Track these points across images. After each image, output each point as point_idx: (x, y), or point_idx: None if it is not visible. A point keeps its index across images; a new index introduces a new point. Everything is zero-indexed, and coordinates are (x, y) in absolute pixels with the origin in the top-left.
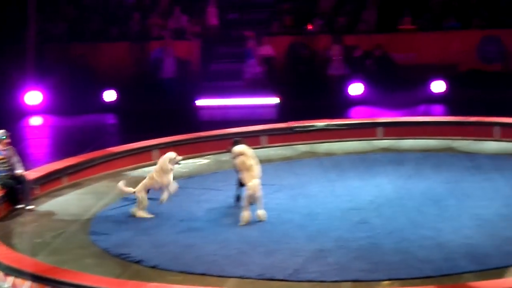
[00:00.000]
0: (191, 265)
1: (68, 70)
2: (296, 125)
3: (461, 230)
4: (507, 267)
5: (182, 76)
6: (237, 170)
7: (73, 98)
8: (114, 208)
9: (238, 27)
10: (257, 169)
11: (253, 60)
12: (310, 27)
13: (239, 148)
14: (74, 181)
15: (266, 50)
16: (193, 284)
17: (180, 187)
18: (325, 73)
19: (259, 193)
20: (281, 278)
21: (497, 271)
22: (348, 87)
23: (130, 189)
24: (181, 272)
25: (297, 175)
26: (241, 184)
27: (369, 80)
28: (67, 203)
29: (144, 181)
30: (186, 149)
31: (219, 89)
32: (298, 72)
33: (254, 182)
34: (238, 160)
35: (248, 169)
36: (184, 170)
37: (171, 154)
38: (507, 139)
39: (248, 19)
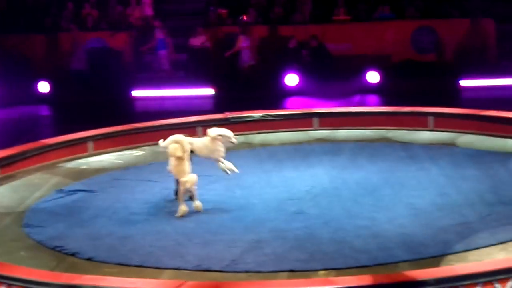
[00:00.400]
0: (127, 257)
1: (1, 61)
2: (232, 115)
3: (396, 220)
4: (442, 256)
5: (115, 67)
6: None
7: (6, 89)
8: (49, 200)
9: (173, 17)
10: (187, 163)
11: (164, 51)
12: (245, 18)
13: (176, 136)
14: (8, 174)
15: (201, 40)
16: (129, 276)
17: (115, 179)
18: (236, 64)
19: (193, 187)
20: (218, 269)
21: (432, 260)
22: (283, 77)
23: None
24: (117, 264)
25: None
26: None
27: (305, 70)
28: (0, 195)
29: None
30: (121, 140)
31: (155, 80)
32: (233, 63)
33: (187, 177)
34: (171, 148)
35: (179, 161)
36: (120, 162)
37: (227, 132)
38: (441, 129)
39: (183, 9)
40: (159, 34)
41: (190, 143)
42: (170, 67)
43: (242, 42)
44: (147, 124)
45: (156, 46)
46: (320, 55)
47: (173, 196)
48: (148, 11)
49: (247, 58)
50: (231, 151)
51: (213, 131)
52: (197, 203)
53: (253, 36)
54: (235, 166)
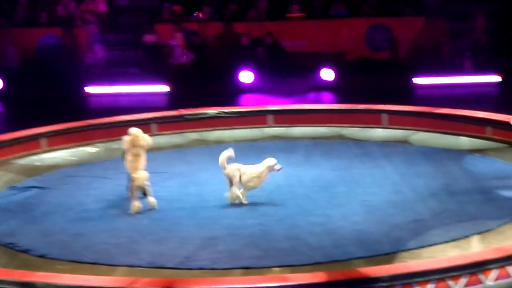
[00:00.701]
0: (80, 254)
1: None
2: (187, 112)
3: (351, 217)
4: (395, 252)
5: (70, 63)
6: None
7: None
8: (1, 197)
9: (128, 14)
10: (142, 159)
11: (98, 45)
12: (200, 14)
13: (134, 130)
14: None
15: (156, 37)
16: (82, 273)
17: (69, 176)
18: (170, 62)
19: (146, 183)
20: (172, 266)
21: (386, 257)
22: (238, 74)
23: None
24: (70, 261)
25: (187, 163)
26: None
27: (260, 68)
28: None
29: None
30: (75, 136)
31: (109, 76)
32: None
33: (138, 174)
34: (127, 140)
35: (134, 157)
36: (73, 158)
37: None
38: (395, 126)
39: (138, 6)
40: (93, 29)
41: (238, 169)
42: (97, 62)
43: (178, 39)
44: (101, 120)
45: (92, 41)
46: (275, 52)
47: (127, 194)
48: (102, 7)
49: (180, 55)
50: (185, 148)
51: (268, 162)
52: (151, 200)
53: (210, 33)
54: (190, 162)
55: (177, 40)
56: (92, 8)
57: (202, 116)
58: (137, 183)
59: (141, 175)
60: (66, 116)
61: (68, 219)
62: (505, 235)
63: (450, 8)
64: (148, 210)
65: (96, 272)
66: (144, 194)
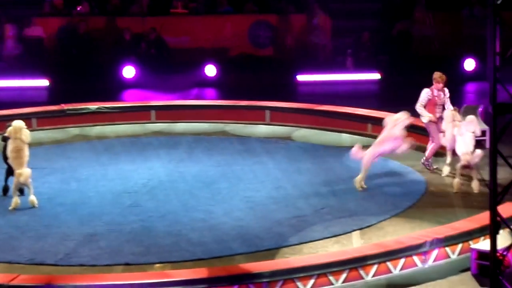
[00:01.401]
0: None
1: None
2: (68, 107)
3: (233, 213)
4: (277, 248)
5: None
6: (4, 156)
7: None
8: None
9: (7, 7)
10: (25, 154)
11: None
12: (82, 9)
13: (18, 123)
14: None
15: (36, 31)
16: None
17: None
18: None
19: (29, 180)
20: (52, 262)
21: (267, 253)
22: (121, 69)
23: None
24: None
25: (68, 159)
26: (9, 173)
27: (142, 63)
28: None
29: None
30: None
31: None
32: (69, 54)
33: (23, 170)
34: (10, 132)
35: (18, 153)
36: None
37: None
38: (278, 123)
39: None
40: None
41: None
42: None
43: (8, 31)
44: None
45: None
46: (158, 48)
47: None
48: None
49: (11, 47)
50: (66, 143)
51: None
52: (32, 198)
53: (92, 27)
54: (71, 158)
55: (9, 32)
56: None
57: (84, 111)
58: (20, 179)
59: (25, 172)
60: None
61: None
62: (385, 231)
63: (332, 6)
64: (28, 206)
65: None
66: (21, 191)
